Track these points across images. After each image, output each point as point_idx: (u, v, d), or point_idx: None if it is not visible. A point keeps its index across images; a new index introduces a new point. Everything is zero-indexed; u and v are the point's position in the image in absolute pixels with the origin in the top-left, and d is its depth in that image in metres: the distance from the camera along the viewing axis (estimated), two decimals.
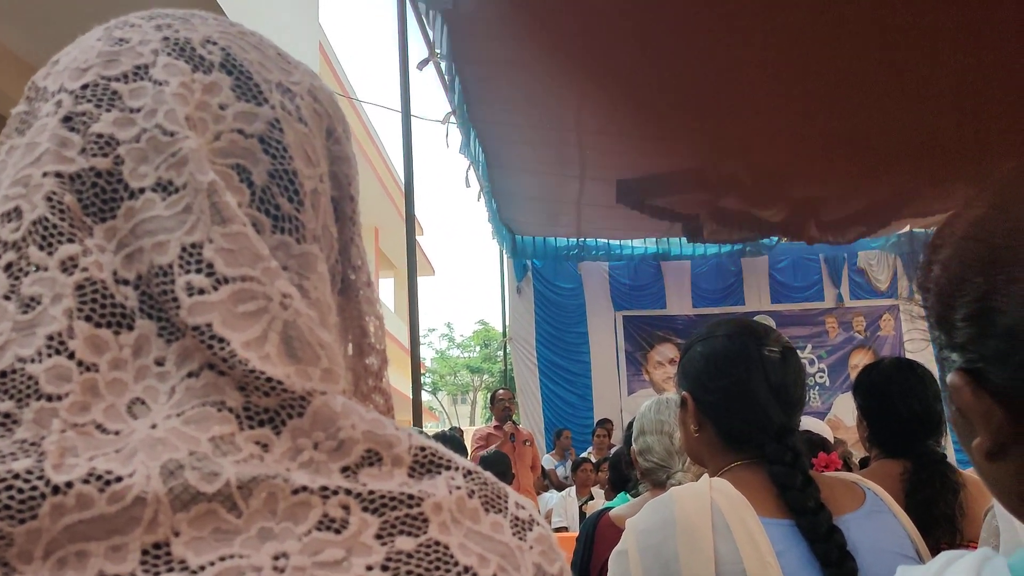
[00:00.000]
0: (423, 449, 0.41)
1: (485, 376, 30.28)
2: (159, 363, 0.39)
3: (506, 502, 0.42)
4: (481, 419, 28.87)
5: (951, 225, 0.55)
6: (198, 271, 0.39)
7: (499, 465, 4.28)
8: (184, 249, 0.40)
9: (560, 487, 7.26)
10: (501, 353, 15.41)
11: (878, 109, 4.57)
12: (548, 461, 7.88)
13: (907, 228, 8.73)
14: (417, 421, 4.33)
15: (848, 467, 4.04)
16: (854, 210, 6.99)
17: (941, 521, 1.74)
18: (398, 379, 15.76)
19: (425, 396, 31.32)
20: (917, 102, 4.41)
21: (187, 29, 0.47)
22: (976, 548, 1.40)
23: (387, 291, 20.41)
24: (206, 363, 0.39)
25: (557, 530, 6.04)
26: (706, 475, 1.16)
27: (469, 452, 5.92)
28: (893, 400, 1.86)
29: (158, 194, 0.41)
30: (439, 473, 0.41)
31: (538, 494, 6.75)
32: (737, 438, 1.19)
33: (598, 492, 6.01)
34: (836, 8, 3.86)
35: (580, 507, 6.02)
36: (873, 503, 1.14)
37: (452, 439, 3.71)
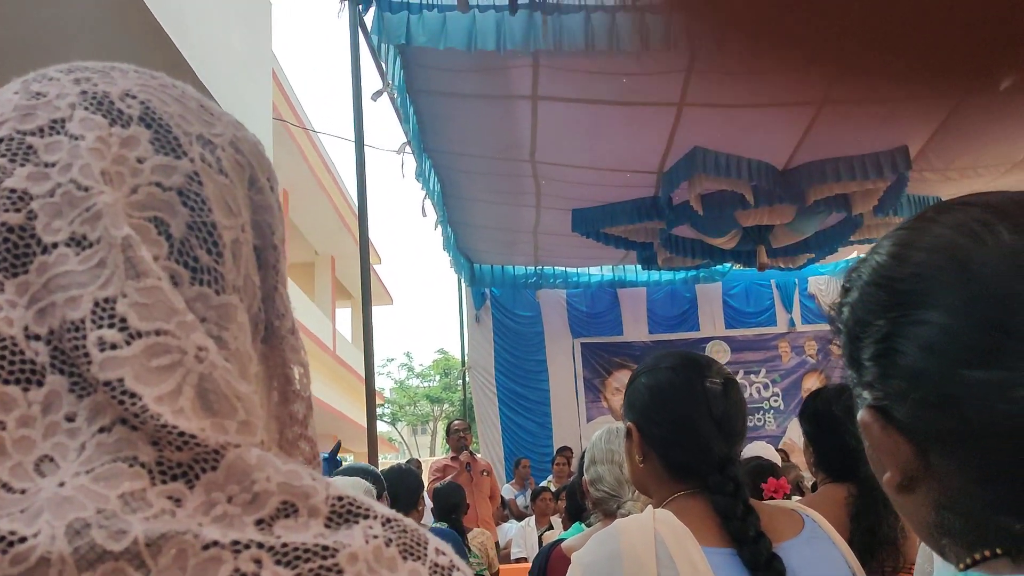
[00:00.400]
0: (340, 499, 0.42)
1: (445, 406, 30.08)
2: (70, 419, 0.39)
3: (425, 549, 0.43)
4: (442, 449, 28.62)
5: (858, 270, 0.58)
6: (111, 326, 0.40)
7: (453, 496, 4.25)
8: (97, 304, 0.40)
9: (520, 517, 7.22)
10: (461, 382, 15.36)
11: None
12: (508, 491, 7.84)
13: (855, 254, 8.94)
14: (373, 452, 4.29)
15: (800, 492, 4.09)
16: (802, 237, 7.15)
17: (885, 544, 1.77)
18: (355, 410, 15.60)
19: (384, 427, 30.99)
20: None
21: (106, 83, 0.47)
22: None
23: (344, 320, 20.25)
24: (118, 418, 0.39)
25: (517, 561, 6.00)
26: (650, 506, 1.18)
27: (426, 484, 5.87)
28: (836, 426, 1.90)
29: (72, 249, 0.41)
30: (356, 523, 0.41)
31: (497, 524, 6.71)
32: (681, 469, 1.21)
33: (557, 522, 5.98)
34: None
35: (539, 537, 5.99)
36: (812, 530, 1.16)
37: (408, 472, 3.67)
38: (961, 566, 0.51)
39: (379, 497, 2.76)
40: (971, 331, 0.49)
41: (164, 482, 0.38)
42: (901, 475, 0.54)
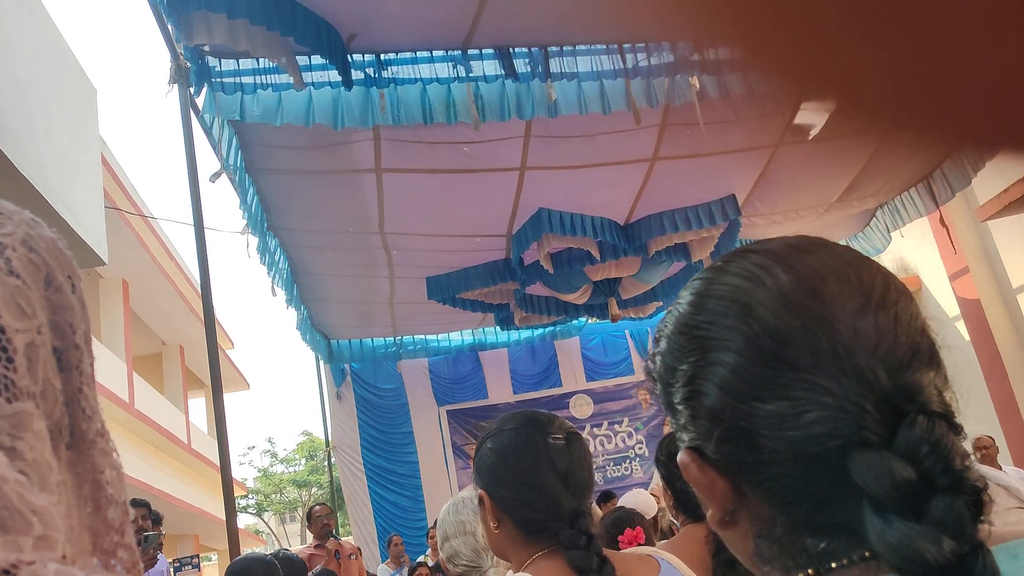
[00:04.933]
0: None
1: (314, 489, 28.92)
2: None
3: None
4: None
5: (664, 321, 0.62)
6: None
7: None
8: None
9: None
10: (327, 464, 14.84)
11: None
12: (384, 571, 7.58)
13: None
14: (234, 547, 4.06)
15: (673, 534, 4.19)
16: (649, 286, 7.46)
17: None
18: (216, 505, 14.75)
19: (250, 519, 29.43)
20: None
21: None
22: None
23: (199, 411, 19.26)
24: None
25: None
26: (510, 571, 1.17)
27: None
28: None
29: None
30: None
31: None
32: (534, 528, 1.22)
33: None
34: None
35: None
36: (668, 572, 1.20)
37: (287, 560, 3.49)
38: None
39: None
40: (756, 367, 0.53)
41: None
42: (722, 510, 0.57)
